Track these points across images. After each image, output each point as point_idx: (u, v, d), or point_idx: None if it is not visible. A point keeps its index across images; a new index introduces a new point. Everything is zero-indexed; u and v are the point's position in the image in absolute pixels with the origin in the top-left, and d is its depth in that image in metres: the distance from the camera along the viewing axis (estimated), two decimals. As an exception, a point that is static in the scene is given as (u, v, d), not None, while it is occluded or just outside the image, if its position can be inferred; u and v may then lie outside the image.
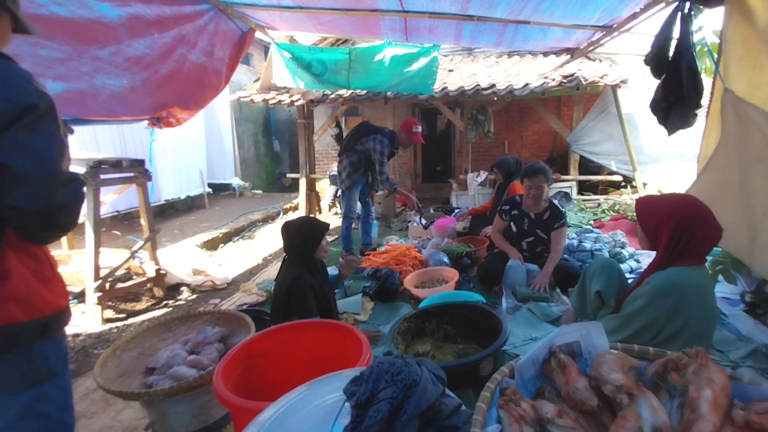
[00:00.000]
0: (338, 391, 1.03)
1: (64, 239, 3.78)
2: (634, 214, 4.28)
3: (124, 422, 1.96)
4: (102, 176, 2.88)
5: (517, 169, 4.01)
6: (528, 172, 2.88)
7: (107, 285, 3.00)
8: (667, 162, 5.10)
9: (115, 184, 3.16)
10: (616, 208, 4.50)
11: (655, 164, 5.23)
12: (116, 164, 3.03)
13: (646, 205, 1.65)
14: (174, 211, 7.05)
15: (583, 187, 5.87)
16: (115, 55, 2.46)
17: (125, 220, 6.16)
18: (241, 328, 1.90)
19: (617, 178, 5.53)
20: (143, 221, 3.34)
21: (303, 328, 1.69)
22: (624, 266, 3.14)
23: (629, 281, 1.97)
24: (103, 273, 3.01)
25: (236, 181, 8.57)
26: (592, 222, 4.20)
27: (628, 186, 5.31)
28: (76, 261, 3.56)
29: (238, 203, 7.78)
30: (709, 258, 2.83)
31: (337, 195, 6.77)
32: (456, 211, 5.62)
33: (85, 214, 2.95)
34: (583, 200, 4.79)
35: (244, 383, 1.50)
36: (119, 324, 3.02)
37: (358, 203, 4.19)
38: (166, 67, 2.90)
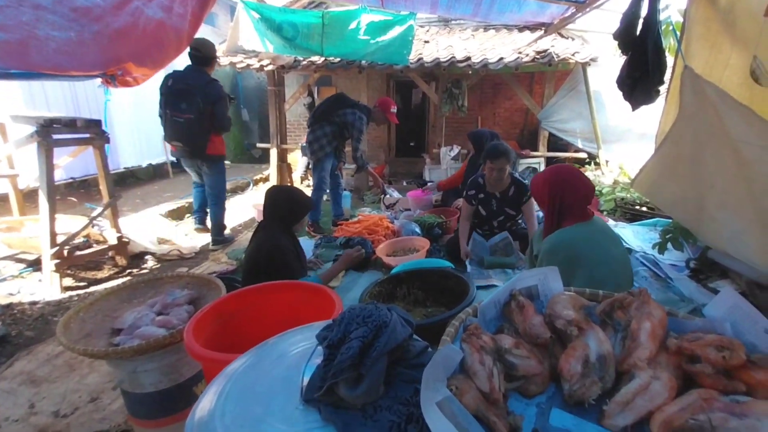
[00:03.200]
0: (310, 340, 1.06)
1: (14, 204, 3.54)
2: (598, 189, 4.48)
3: (90, 386, 1.93)
4: (55, 136, 2.68)
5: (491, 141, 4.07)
6: (491, 155, 2.86)
7: (65, 252, 2.86)
8: (630, 141, 5.33)
9: (69, 145, 2.96)
10: (580, 183, 4.69)
11: (618, 143, 5.46)
12: (70, 124, 2.83)
13: (533, 180, 1.81)
14: (135, 180, 6.71)
15: (550, 163, 6.07)
16: (59, 4, 2.26)
17: (82, 188, 5.82)
18: (212, 291, 1.88)
19: (583, 155, 5.74)
20: (102, 186, 3.17)
21: (275, 288, 1.70)
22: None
23: None
24: (60, 240, 2.86)
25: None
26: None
27: (592, 163, 5.54)
28: (29, 227, 3.36)
29: (205, 174, 7.51)
30: (660, 227, 3.05)
31: (308, 167, 6.65)
32: (429, 183, 5.69)
33: (37, 178, 2.77)
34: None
35: (216, 342, 1.50)
36: (80, 292, 2.91)
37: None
38: (119, 21, 2.68)
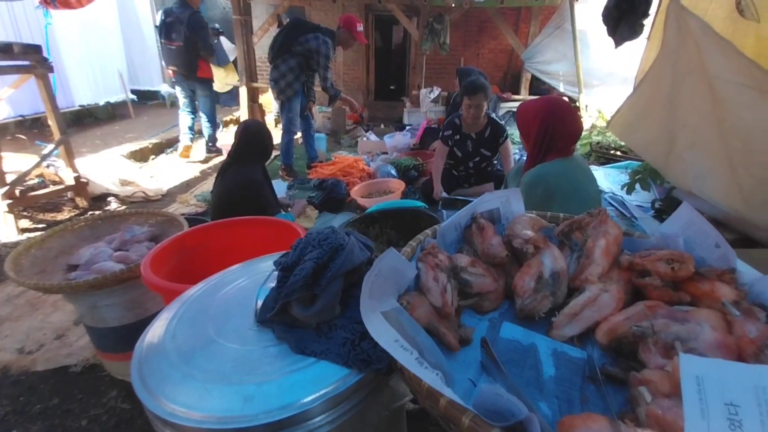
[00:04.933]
0: (270, 269, 1.03)
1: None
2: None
3: (55, 324, 1.90)
4: (-12, 61, 2.39)
5: None
6: (468, 90, 2.72)
7: (17, 192, 2.68)
8: (612, 85, 5.24)
9: (7, 73, 2.66)
10: (558, 127, 4.66)
11: (599, 87, 5.36)
12: (5, 49, 2.52)
13: (521, 108, 1.73)
14: (93, 119, 6.23)
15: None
16: None
17: (34, 128, 5.38)
18: (174, 228, 1.81)
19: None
20: (51, 122, 2.91)
21: (242, 223, 1.65)
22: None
23: None
24: (10, 179, 2.66)
25: (165, 89, 7.61)
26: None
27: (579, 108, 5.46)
28: (-25, 167, 3.11)
29: (169, 114, 6.99)
30: (629, 169, 3.10)
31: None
32: (407, 127, 5.54)
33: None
34: (529, 119, 4.90)
35: (177, 277, 1.47)
36: (39, 234, 2.78)
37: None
38: None
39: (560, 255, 0.75)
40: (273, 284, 0.84)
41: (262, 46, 7.07)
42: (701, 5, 2.28)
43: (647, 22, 2.59)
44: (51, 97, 2.83)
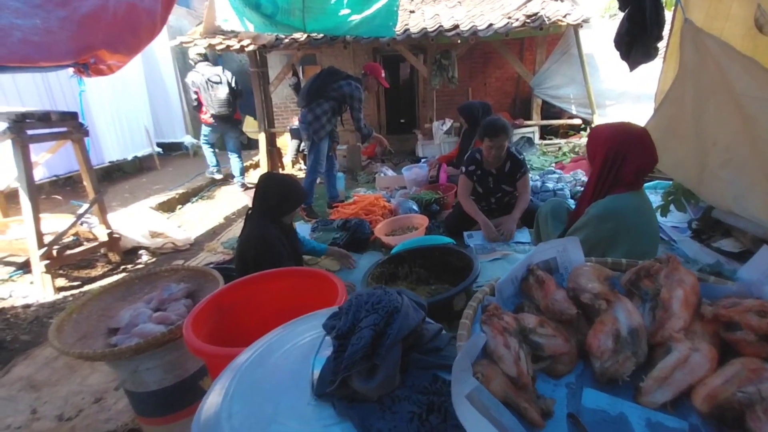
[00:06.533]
0: (316, 329, 1.00)
1: (-4, 207, 3.42)
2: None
3: (93, 386, 1.89)
4: (29, 132, 2.54)
5: (484, 115, 3.94)
6: (489, 132, 2.71)
7: (54, 252, 2.76)
8: (625, 104, 5.24)
9: (46, 140, 2.82)
10: (576, 150, 4.63)
11: (613, 107, 5.36)
12: (44, 118, 2.68)
13: (593, 132, 1.69)
14: (122, 174, 6.52)
15: (544, 132, 5.97)
16: (20, -11, 2.09)
17: (67, 186, 5.65)
18: (209, 283, 1.82)
19: (577, 121, 5.65)
20: (86, 182, 3.04)
21: (272, 277, 1.64)
22: (584, 204, 3.28)
23: None
24: (47, 240, 2.76)
25: (188, 140, 7.97)
26: (554, 165, 4.32)
27: (588, 129, 5.45)
28: (15, 229, 3.25)
29: (192, 163, 7.29)
30: (661, 190, 3.02)
31: (300, 150, 6.49)
32: (423, 160, 5.59)
33: (16, 177, 2.64)
34: (545, 144, 4.89)
35: (216, 336, 1.45)
36: (74, 292, 2.84)
37: None
38: (87, 4, 2.51)
39: (634, 308, 0.70)
40: (327, 353, 0.81)
41: (277, 93, 7.42)
42: (717, 25, 2.28)
43: (661, 45, 2.60)
44: (86, 160, 2.97)
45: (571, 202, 3.25)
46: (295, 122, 7.43)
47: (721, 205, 2.19)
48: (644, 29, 2.48)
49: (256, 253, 1.95)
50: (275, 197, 2.08)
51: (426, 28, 5.16)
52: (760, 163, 1.93)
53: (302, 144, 6.16)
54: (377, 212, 3.52)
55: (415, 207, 3.48)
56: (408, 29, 5.22)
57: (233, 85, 5.10)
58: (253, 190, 2.18)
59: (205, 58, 5.14)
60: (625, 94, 5.24)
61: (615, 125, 1.53)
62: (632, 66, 2.80)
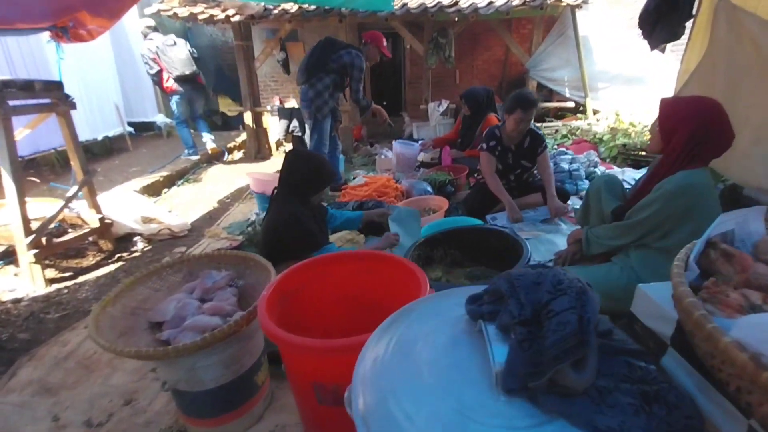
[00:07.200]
0: (440, 315, 0.90)
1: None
2: (594, 137, 4.48)
3: (119, 387, 1.70)
4: (11, 102, 2.21)
5: (488, 102, 3.86)
6: (524, 104, 2.58)
7: (43, 240, 2.46)
8: (618, 86, 5.34)
9: (29, 113, 2.47)
10: (577, 132, 4.68)
11: (605, 90, 5.46)
12: (26, 87, 2.34)
13: (670, 104, 1.62)
14: (91, 155, 5.93)
15: (539, 115, 6.00)
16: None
17: (30, 168, 5.10)
18: (250, 269, 1.67)
19: (570, 104, 5.72)
20: (73, 162, 2.72)
21: (335, 260, 1.52)
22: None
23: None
24: (34, 227, 2.45)
25: (161, 119, 7.38)
26: (556, 146, 4.34)
27: (584, 112, 5.53)
28: (-9, 215, 2.87)
29: (167, 144, 6.78)
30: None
31: (290, 131, 6.18)
32: (419, 141, 5.48)
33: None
34: (544, 127, 4.91)
35: (284, 324, 1.32)
36: (68, 284, 2.56)
37: None
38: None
39: None
40: (500, 344, 0.71)
41: (263, 70, 7.01)
42: (750, 3, 2.30)
43: (688, 24, 2.61)
44: (74, 136, 2.65)
45: (584, 184, 3.27)
46: (277, 102, 7.07)
47: (752, 182, 2.25)
48: (675, 6, 2.47)
49: (288, 234, 1.82)
50: (303, 177, 1.93)
51: (425, 4, 4.98)
52: (795, 141, 1.98)
53: (291, 125, 5.86)
54: (391, 194, 3.40)
55: (429, 188, 3.39)
56: (406, 4, 5.03)
57: (190, 50, 4.98)
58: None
59: (155, 29, 4.93)
60: (618, 77, 5.34)
61: (698, 102, 1.49)
62: (654, 45, 2.81)
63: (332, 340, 1.03)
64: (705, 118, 1.42)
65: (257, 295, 1.58)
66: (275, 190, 2.03)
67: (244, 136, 6.67)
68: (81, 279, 2.64)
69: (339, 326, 1.58)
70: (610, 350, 0.71)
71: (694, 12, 2.56)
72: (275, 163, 5.81)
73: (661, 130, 1.59)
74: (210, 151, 5.75)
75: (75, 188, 2.73)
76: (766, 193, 2.19)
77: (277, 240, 1.86)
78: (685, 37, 2.71)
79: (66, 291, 2.49)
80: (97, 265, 2.84)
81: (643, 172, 3.34)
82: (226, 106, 8.56)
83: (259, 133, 6.16)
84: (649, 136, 1.70)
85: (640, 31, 2.80)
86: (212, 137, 5.76)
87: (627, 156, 3.86)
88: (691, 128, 1.42)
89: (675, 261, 0.73)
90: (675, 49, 4.98)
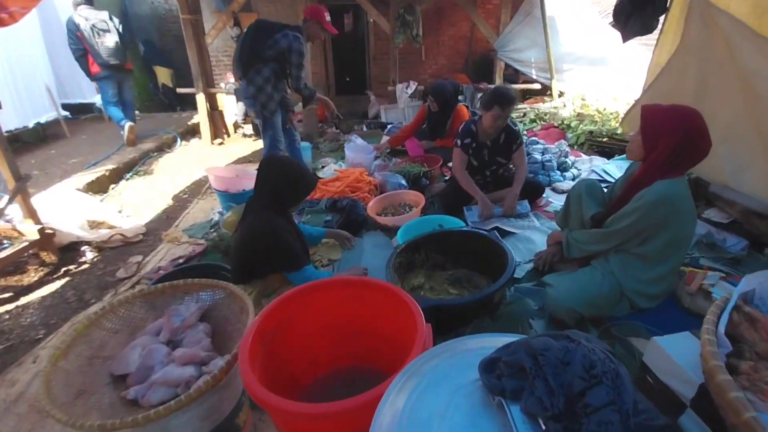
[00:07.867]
0: (452, 383, 0.83)
1: None
2: (562, 123, 4.52)
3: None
4: None
5: (455, 96, 3.75)
6: (502, 101, 2.51)
7: (-29, 260, 2.15)
8: (582, 67, 5.39)
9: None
10: (545, 117, 4.71)
11: (570, 72, 5.50)
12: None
13: (653, 113, 1.61)
14: (21, 145, 5.27)
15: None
16: None
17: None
18: (221, 296, 1.52)
19: (536, 86, 5.73)
20: (2, 167, 2.35)
21: (318, 288, 1.40)
22: (567, 174, 3.36)
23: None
24: (-44, 245, 2.12)
25: (101, 99, 6.67)
26: (525, 132, 4.35)
27: (550, 94, 5.56)
28: None
29: (109, 128, 6.08)
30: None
31: (249, 114, 5.79)
32: (388, 126, 5.32)
33: None
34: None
35: (267, 372, 1.21)
36: (9, 307, 2.27)
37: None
38: None
39: None
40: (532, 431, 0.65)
41: (215, 47, 6.42)
42: (722, 2, 2.31)
43: (661, 18, 2.60)
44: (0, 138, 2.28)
45: (556, 175, 3.30)
46: (231, 79, 6.53)
47: (718, 179, 2.34)
48: (650, 1, 2.45)
49: (267, 249, 1.69)
50: (283, 187, 1.79)
51: (391, -22, 4.70)
52: (760, 140, 2.05)
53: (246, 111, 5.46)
54: (364, 188, 3.27)
55: (403, 182, 3.29)
56: (371, -23, 4.72)
57: (121, 32, 4.70)
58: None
59: (88, 1, 4.57)
60: (582, 58, 5.39)
61: (679, 112, 1.49)
62: (627, 37, 2.79)
63: (330, 404, 0.94)
64: (690, 131, 1.45)
65: (232, 329, 1.46)
66: (249, 201, 1.87)
67: (197, 118, 6.17)
68: (23, 300, 2.35)
69: (327, 353, 1.50)
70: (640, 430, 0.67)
71: (668, 5, 2.55)
72: (235, 149, 5.44)
73: (644, 138, 1.59)
74: (127, 137, 5.10)
75: (6, 198, 2.38)
76: (728, 189, 2.28)
77: (252, 253, 1.72)
78: (657, 32, 2.72)
79: (7, 317, 2.21)
80: (40, 282, 2.54)
81: (611, 163, 3.42)
82: (165, 77, 8.05)
83: (214, 116, 5.72)
84: (629, 143, 1.69)
85: (613, 22, 2.77)
86: (132, 124, 5.12)
87: (593, 143, 3.93)
88: (675, 141, 1.44)
89: (705, 325, 0.70)
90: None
